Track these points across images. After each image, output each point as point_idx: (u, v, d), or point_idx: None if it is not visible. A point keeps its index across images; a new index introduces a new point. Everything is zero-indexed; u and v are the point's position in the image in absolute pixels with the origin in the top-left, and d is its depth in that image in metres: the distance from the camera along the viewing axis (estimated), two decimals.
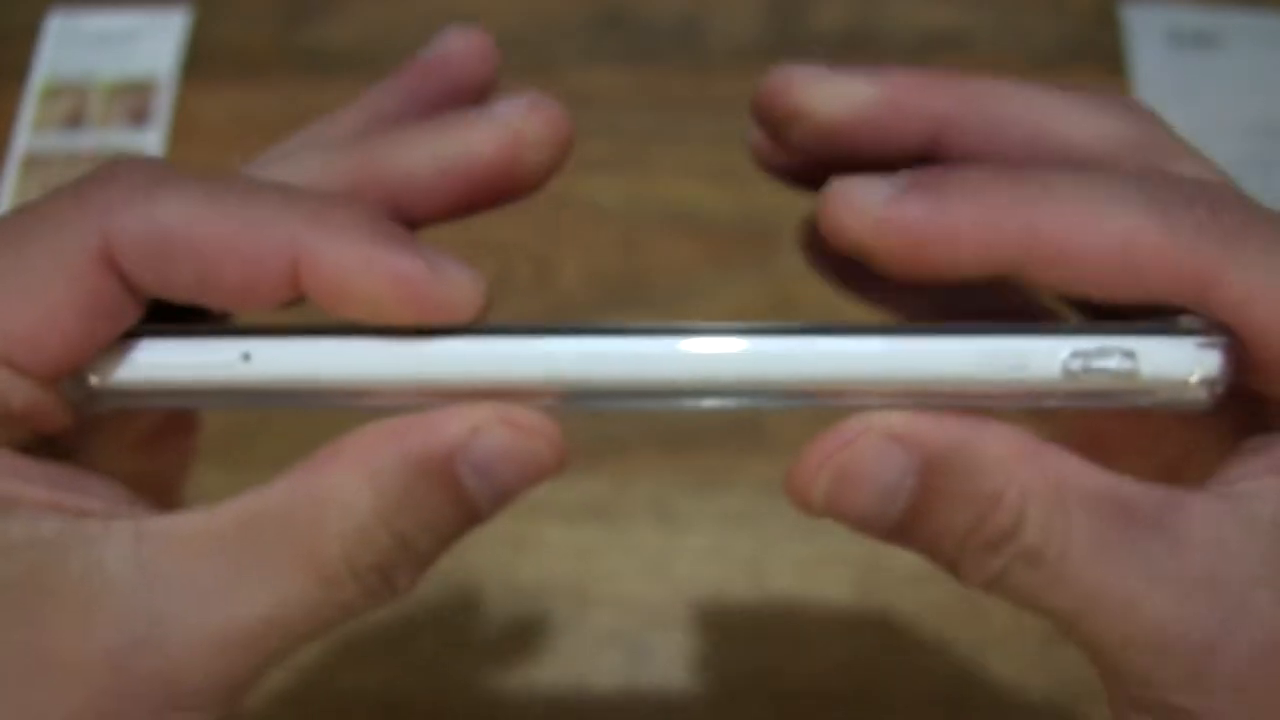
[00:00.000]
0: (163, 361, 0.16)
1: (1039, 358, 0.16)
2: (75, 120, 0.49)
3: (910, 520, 0.16)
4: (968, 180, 0.16)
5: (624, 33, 0.50)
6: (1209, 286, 0.15)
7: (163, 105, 0.49)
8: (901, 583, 0.38)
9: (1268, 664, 0.15)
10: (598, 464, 0.41)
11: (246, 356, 0.16)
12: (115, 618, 0.15)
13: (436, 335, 0.16)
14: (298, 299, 0.16)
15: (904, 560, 0.39)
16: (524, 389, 0.16)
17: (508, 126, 0.19)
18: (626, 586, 0.39)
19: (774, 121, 0.18)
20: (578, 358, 0.16)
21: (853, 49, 0.49)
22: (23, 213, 0.15)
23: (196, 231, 0.15)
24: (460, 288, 0.15)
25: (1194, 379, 0.16)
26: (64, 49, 0.51)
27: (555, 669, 0.38)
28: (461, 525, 0.16)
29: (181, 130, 0.48)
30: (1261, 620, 0.15)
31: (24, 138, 0.48)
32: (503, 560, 0.39)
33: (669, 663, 0.37)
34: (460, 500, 0.16)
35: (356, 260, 0.15)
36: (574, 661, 0.38)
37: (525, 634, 0.38)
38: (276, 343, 0.16)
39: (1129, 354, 0.16)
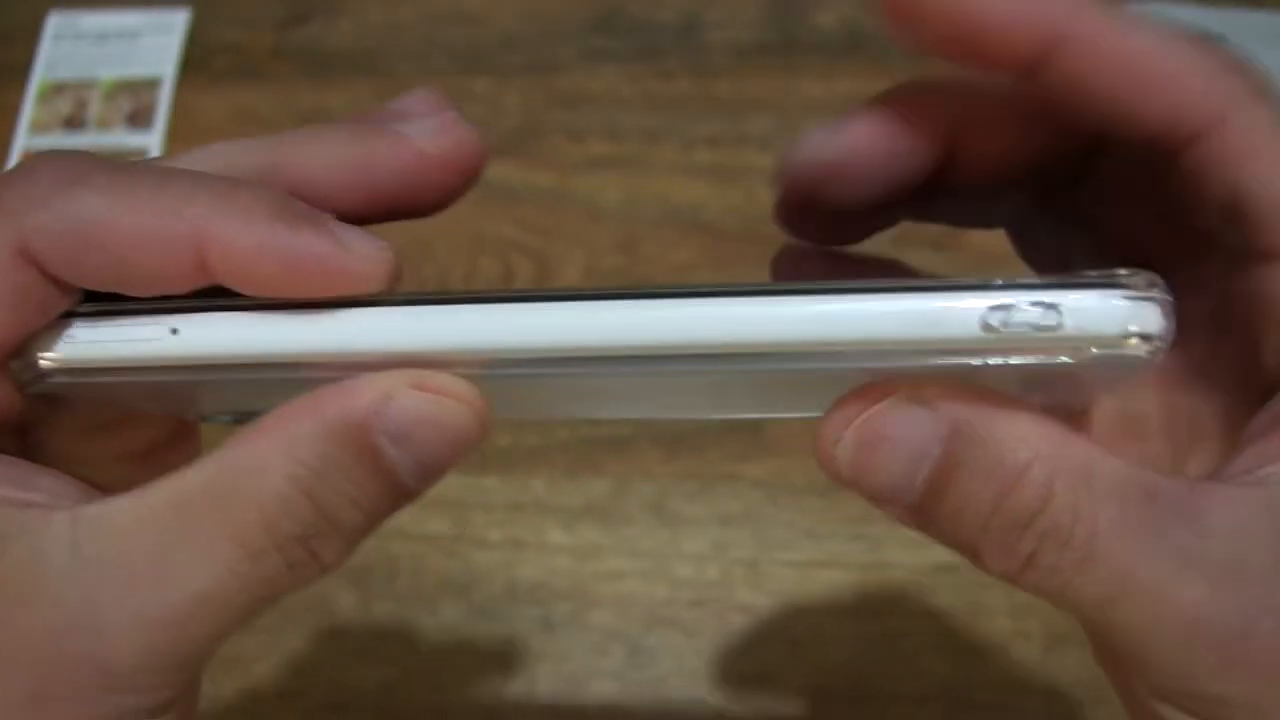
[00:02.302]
0: (98, 338, 0.16)
1: (957, 314, 0.15)
2: (75, 120, 0.49)
3: (933, 495, 0.16)
4: None
5: (624, 33, 0.50)
6: (1214, 124, 0.16)
7: (162, 105, 0.49)
8: (901, 583, 0.38)
9: None
10: (598, 464, 0.41)
11: (175, 331, 0.16)
12: (51, 603, 0.15)
13: (358, 306, 0.16)
14: (212, 282, 0.16)
15: (904, 561, 0.39)
16: (442, 357, 0.16)
17: (413, 145, 0.18)
18: (626, 586, 0.39)
19: (807, 187, 0.19)
20: (491, 324, 0.16)
21: (853, 49, 0.49)
22: None
23: (107, 223, 0.15)
24: (365, 260, 0.16)
25: (1129, 334, 0.15)
26: (64, 49, 0.51)
27: (555, 669, 0.38)
28: (387, 498, 0.16)
29: (181, 130, 0.48)
30: None
31: (24, 138, 0.48)
32: (503, 560, 0.39)
33: (669, 663, 0.37)
34: (380, 470, 0.16)
35: (255, 241, 0.15)
36: (574, 661, 0.38)
37: (525, 634, 0.38)
38: (203, 317, 0.16)
39: (1051, 307, 0.15)
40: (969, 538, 0.16)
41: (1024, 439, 0.15)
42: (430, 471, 0.16)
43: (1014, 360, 0.15)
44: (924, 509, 0.16)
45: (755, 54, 0.49)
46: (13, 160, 0.48)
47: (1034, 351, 0.15)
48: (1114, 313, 0.15)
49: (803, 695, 0.37)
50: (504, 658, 0.38)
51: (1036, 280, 0.15)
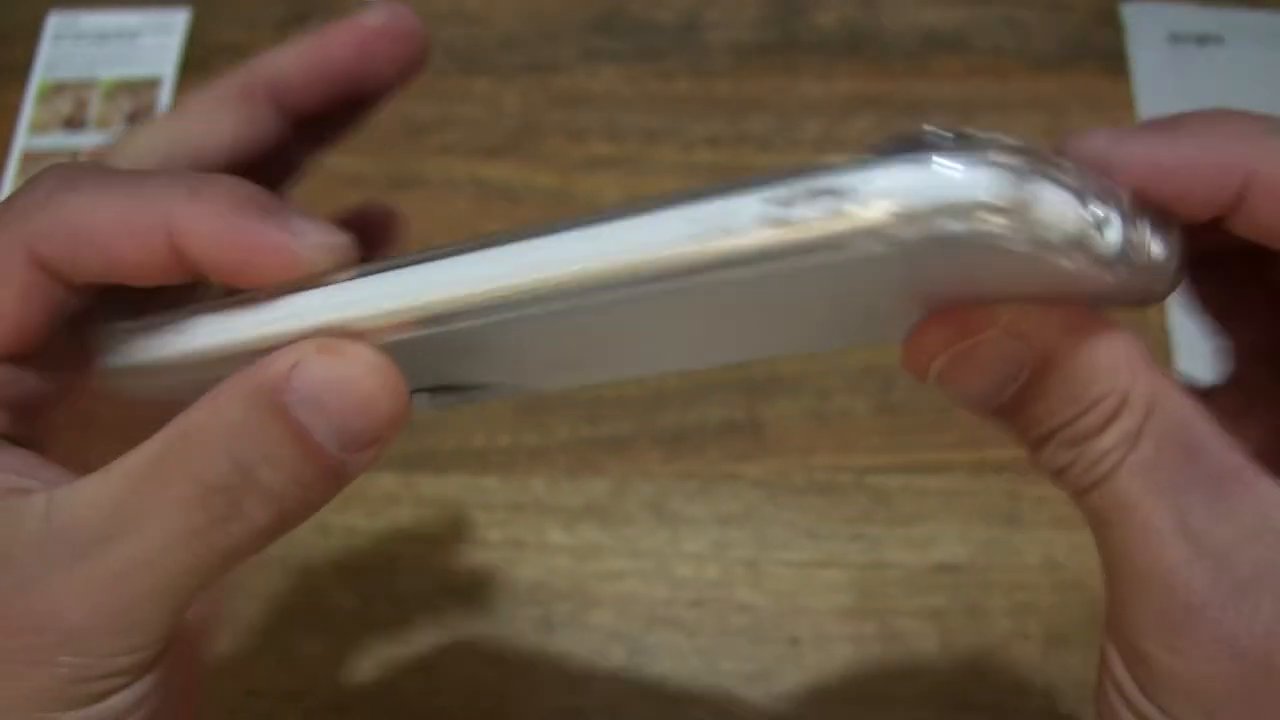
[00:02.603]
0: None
1: (738, 213, 0.13)
2: (75, 120, 0.49)
3: (1012, 406, 0.17)
4: (1196, 119, 0.17)
5: (624, 33, 0.50)
6: None
7: (162, 105, 0.49)
8: (901, 583, 0.38)
9: (1246, 671, 0.16)
10: (598, 464, 0.41)
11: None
12: (19, 568, 0.16)
13: (287, 293, 0.17)
14: (191, 271, 0.18)
15: (904, 561, 0.39)
16: (362, 327, 0.16)
17: (355, 22, 0.21)
18: (626, 586, 0.39)
19: None
20: (390, 291, 0.16)
21: (853, 49, 0.49)
22: None
23: (90, 219, 0.17)
24: (317, 248, 0.17)
25: (952, 207, 0.12)
26: (64, 49, 0.51)
27: (555, 669, 0.37)
28: (309, 463, 0.17)
29: None
30: (1268, 626, 0.15)
31: (24, 138, 0.48)
32: (503, 560, 0.39)
33: (669, 663, 0.37)
34: (296, 433, 0.16)
35: (217, 229, 0.17)
36: (574, 661, 0.38)
37: (525, 634, 0.38)
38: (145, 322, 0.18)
39: (832, 191, 0.13)
40: (1030, 439, 0.18)
41: (1104, 371, 0.16)
42: (351, 439, 0.17)
43: (818, 258, 0.13)
44: (998, 414, 0.18)
45: (755, 54, 0.49)
46: (13, 160, 0.48)
47: (832, 243, 0.13)
48: (929, 184, 0.12)
49: (803, 695, 0.37)
50: (504, 658, 0.38)
51: (827, 163, 0.13)
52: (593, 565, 0.39)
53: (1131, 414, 0.16)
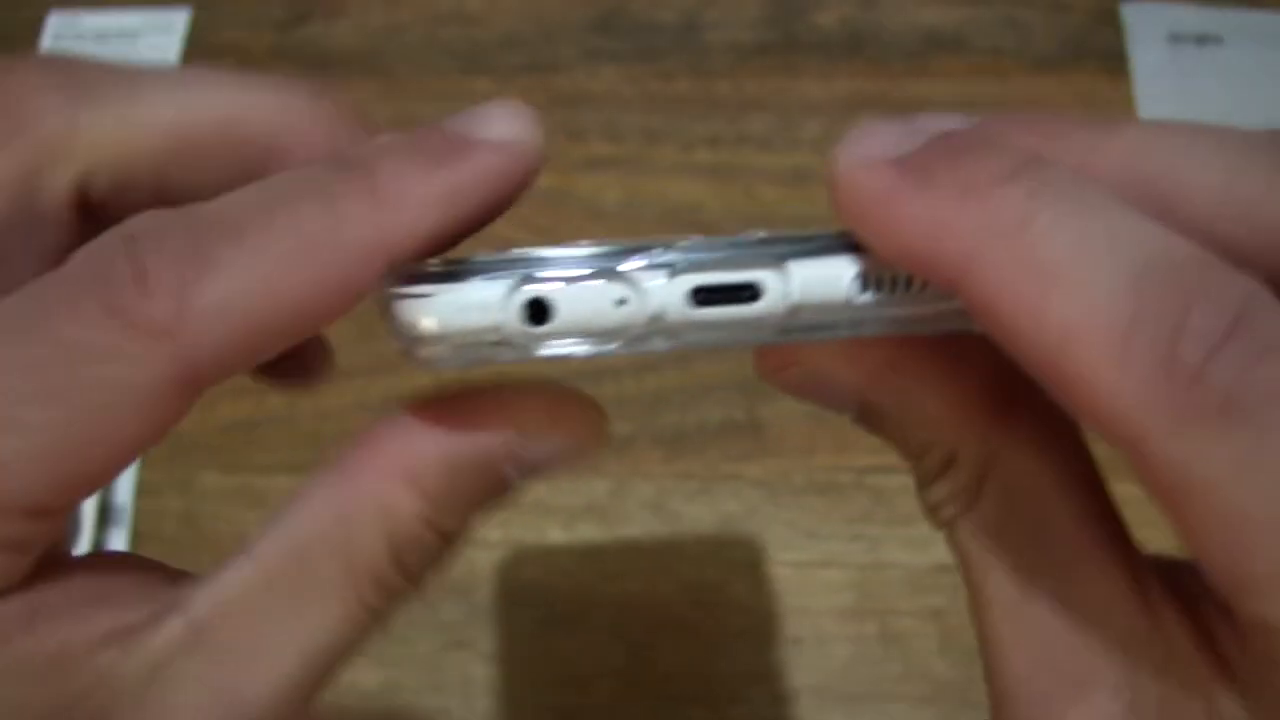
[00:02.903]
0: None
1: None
2: None
3: (864, 428, 0.17)
4: (967, 168, 0.14)
5: (624, 33, 0.50)
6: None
7: None
8: (901, 583, 0.38)
9: None
10: (598, 464, 0.41)
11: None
12: (192, 710, 0.15)
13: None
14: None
15: (904, 561, 0.39)
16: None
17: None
18: (626, 586, 0.39)
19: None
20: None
21: (853, 49, 0.49)
22: None
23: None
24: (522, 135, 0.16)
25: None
26: (64, 49, 0.51)
27: (555, 669, 0.38)
28: (500, 503, 0.17)
29: None
30: None
31: None
32: (503, 560, 0.39)
33: (669, 663, 0.37)
34: (499, 487, 0.16)
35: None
36: (574, 661, 0.38)
37: (525, 634, 0.38)
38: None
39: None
40: None
41: (926, 421, 0.16)
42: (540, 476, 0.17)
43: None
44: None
45: (755, 54, 0.49)
46: None
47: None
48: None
49: (803, 695, 0.37)
50: (504, 658, 0.38)
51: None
52: (593, 565, 0.39)
53: (960, 471, 0.15)
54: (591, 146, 0.47)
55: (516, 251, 0.15)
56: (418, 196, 0.15)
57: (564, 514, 0.40)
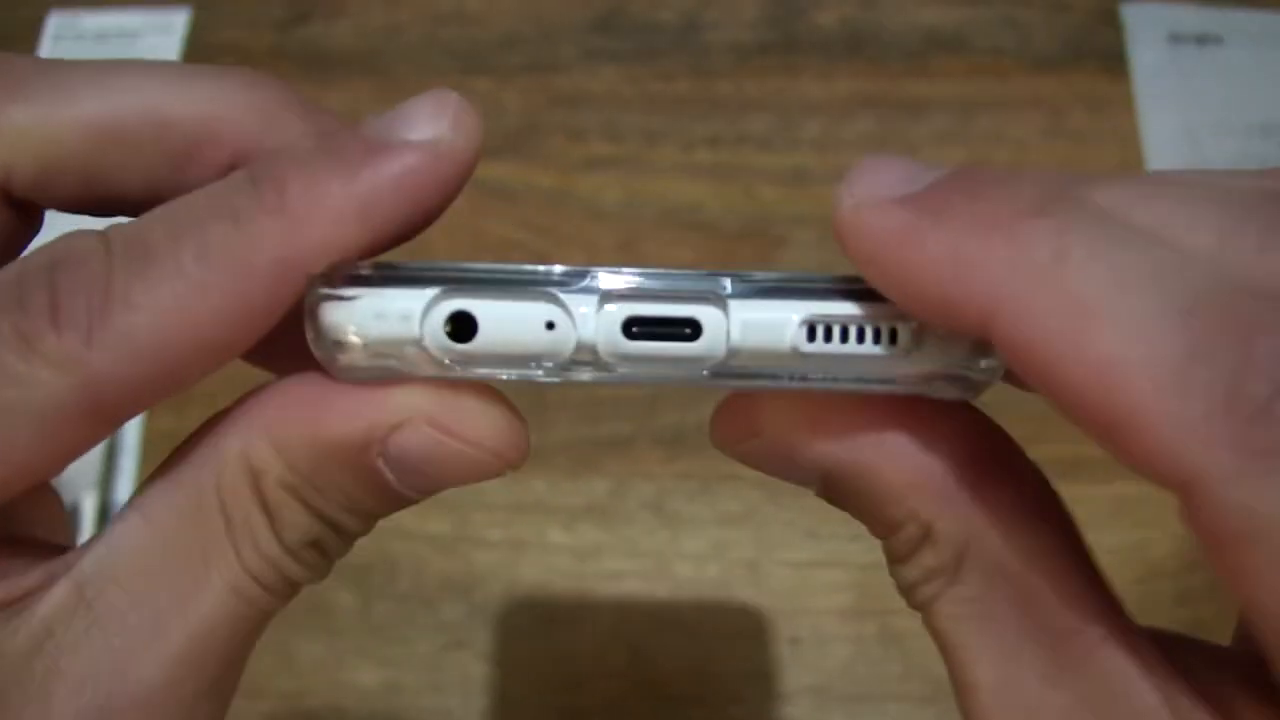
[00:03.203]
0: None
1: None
2: None
3: (831, 503, 0.16)
4: (959, 196, 0.13)
5: (624, 33, 0.50)
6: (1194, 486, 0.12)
7: None
8: None
9: None
10: (598, 464, 0.41)
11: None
12: (77, 682, 0.14)
13: None
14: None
15: None
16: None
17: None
18: (626, 586, 0.39)
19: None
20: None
21: (853, 49, 0.49)
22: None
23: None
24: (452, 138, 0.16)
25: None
26: (64, 49, 0.51)
27: (555, 669, 0.37)
28: (388, 504, 0.16)
29: None
30: None
31: None
32: (503, 560, 0.39)
33: (669, 663, 0.37)
34: (380, 486, 0.15)
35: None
36: (574, 661, 0.38)
37: (525, 634, 0.38)
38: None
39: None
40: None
41: (898, 494, 0.15)
42: (437, 491, 0.16)
43: None
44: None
45: (755, 54, 0.49)
46: None
47: None
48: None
49: (803, 695, 0.37)
50: (504, 658, 0.38)
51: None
52: (593, 565, 0.39)
53: (938, 549, 0.15)
54: (591, 146, 0.47)
55: (450, 263, 0.15)
56: (329, 209, 0.14)
57: (564, 514, 0.40)
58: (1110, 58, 0.48)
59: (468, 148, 0.15)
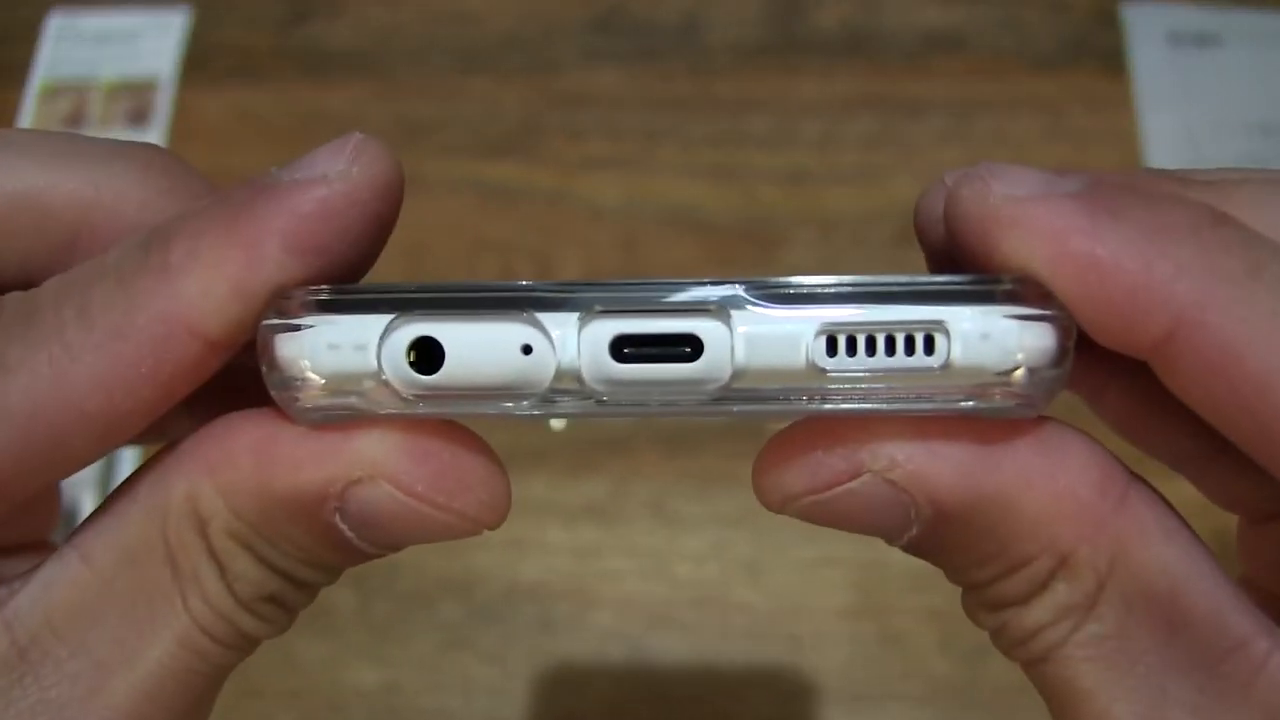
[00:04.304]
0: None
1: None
2: (75, 120, 0.49)
3: (915, 550, 0.14)
4: (1138, 201, 0.13)
5: (624, 33, 0.50)
6: None
7: (163, 105, 0.49)
8: (901, 583, 0.38)
9: None
10: (598, 464, 0.41)
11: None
12: None
13: None
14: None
15: (904, 561, 0.39)
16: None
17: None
18: (626, 586, 0.39)
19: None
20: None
21: (853, 49, 0.49)
22: None
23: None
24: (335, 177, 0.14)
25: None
26: (64, 49, 0.51)
27: (555, 669, 0.37)
28: (351, 561, 0.14)
29: (181, 130, 0.48)
30: None
31: None
32: (503, 560, 0.39)
33: (669, 663, 0.37)
34: (340, 544, 0.14)
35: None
36: (574, 661, 0.38)
37: (525, 634, 0.38)
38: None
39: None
40: (953, 581, 0.15)
41: (1030, 525, 0.13)
42: (404, 547, 0.14)
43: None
44: (907, 549, 0.15)
45: (755, 54, 0.49)
46: None
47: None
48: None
49: (803, 695, 0.37)
50: (504, 658, 0.38)
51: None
52: (593, 565, 0.39)
53: (1076, 582, 0.13)
54: (591, 146, 0.47)
55: (418, 283, 0.13)
56: (212, 261, 0.13)
57: (564, 513, 0.40)
58: (1110, 58, 0.48)
59: (365, 177, 0.13)
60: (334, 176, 0.13)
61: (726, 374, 0.13)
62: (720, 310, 0.12)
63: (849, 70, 0.48)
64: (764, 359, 0.12)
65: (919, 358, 0.12)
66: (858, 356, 0.12)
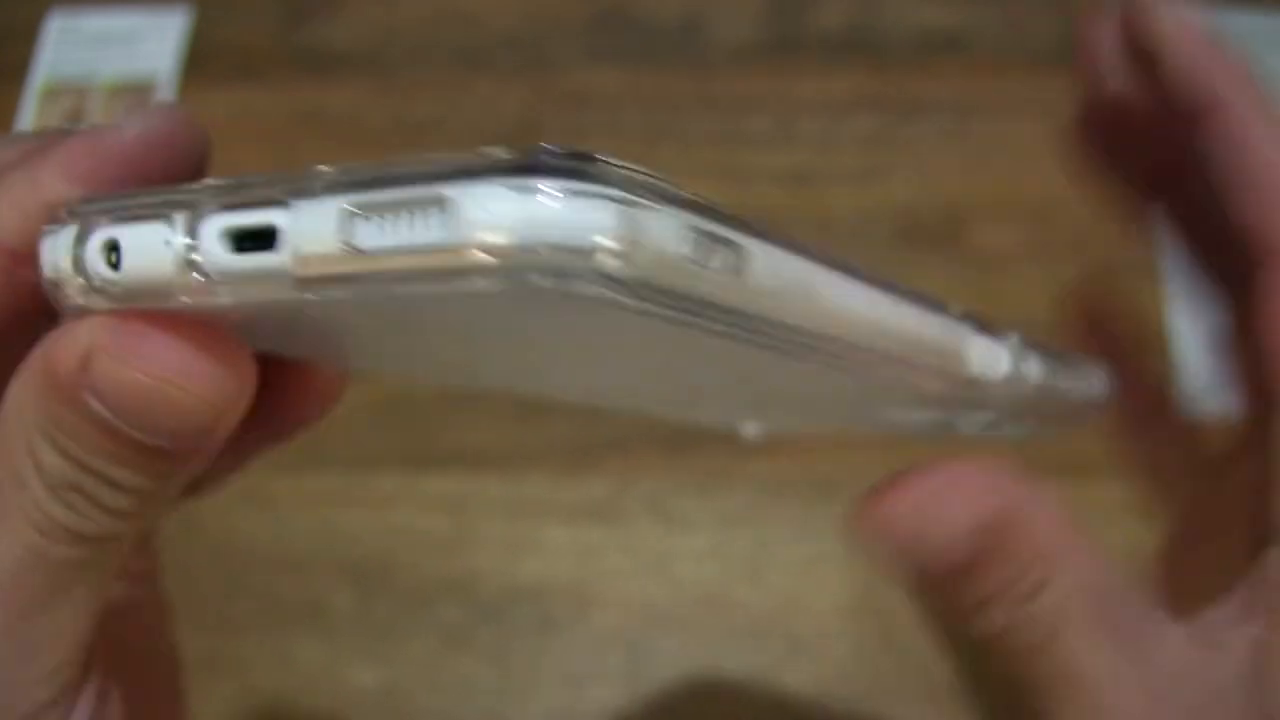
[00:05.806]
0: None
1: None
2: (75, 120, 0.49)
3: (959, 565, 0.17)
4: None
5: (624, 33, 0.50)
6: None
7: None
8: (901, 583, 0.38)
9: None
10: (598, 464, 0.41)
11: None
12: None
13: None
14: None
15: None
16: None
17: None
18: (626, 586, 0.39)
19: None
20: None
21: (853, 49, 0.49)
22: None
23: None
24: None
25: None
26: (64, 49, 0.51)
27: (555, 669, 0.37)
28: (136, 454, 0.14)
29: None
30: None
31: None
32: (503, 560, 0.39)
33: (669, 663, 0.37)
34: (106, 429, 0.14)
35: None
36: (574, 661, 0.38)
37: (525, 634, 0.38)
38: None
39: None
40: (969, 603, 0.18)
41: (1045, 538, 0.17)
42: (182, 436, 0.14)
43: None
44: (930, 585, 0.18)
45: (755, 54, 0.49)
46: None
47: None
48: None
49: (803, 695, 0.37)
50: (504, 658, 0.38)
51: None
52: (593, 565, 0.39)
53: (1059, 584, 0.17)
54: (591, 146, 0.47)
55: (138, 190, 0.14)
56: (6, 185, 0.15)
57: (564, 513, 0.40)
58: None
59: (137, 128, 0.15)
60: (112, 126, 0.15)
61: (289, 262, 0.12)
62: (309, 189, 0.12)
63: (849, 70, 0.48)
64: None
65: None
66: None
